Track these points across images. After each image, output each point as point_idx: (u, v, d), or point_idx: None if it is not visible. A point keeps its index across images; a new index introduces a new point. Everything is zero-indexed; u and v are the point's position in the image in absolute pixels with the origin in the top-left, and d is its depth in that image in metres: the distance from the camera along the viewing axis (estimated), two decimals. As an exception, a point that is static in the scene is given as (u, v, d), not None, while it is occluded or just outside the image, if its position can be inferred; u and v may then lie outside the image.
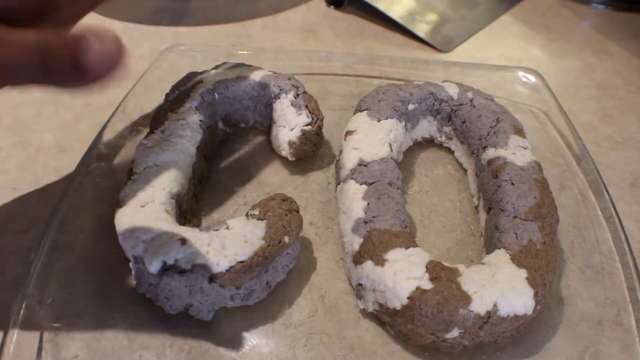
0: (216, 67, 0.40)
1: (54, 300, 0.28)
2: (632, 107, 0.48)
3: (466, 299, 0.25)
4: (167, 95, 0.38)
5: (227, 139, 0.40)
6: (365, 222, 0.28)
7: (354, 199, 0.30)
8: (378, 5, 0.58)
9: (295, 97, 0.37)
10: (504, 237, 0.29)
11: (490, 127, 0.35)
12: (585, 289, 0.30)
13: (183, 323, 0.28)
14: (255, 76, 0.38)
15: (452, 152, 0.39)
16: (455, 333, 0.25)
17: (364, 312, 0.29)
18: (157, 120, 0.35)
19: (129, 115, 0.40)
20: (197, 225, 0.33)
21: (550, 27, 0.61)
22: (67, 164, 0.38)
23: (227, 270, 0.25)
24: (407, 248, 0.27)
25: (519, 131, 0.35)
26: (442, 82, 0.40)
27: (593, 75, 0.52)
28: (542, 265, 0.27)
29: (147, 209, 0.28)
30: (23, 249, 0.32)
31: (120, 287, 0.29)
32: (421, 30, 0.56)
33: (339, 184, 0.33)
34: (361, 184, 0.31)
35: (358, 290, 0.28)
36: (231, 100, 0.39)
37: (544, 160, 0.37)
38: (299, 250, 0.30)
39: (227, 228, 0.27)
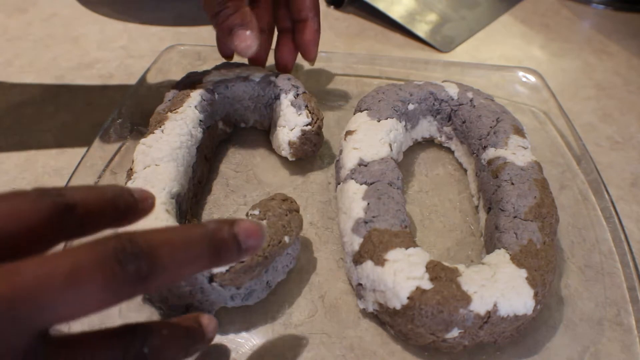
0: (216, 67, 0.40)
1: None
2: (632, 107, 0.48)
3: (466, 299, 0.25)
4: (167, 95, 0.38)
5: (227, 139, 0.40)
6: (365, 222, 0.28)
7: (354, 199, 0.30)
8: (378, 5, 0.58)
9: (295, 97, 0.37)
10: (504, 237, 0.29)
11: (490, 127, 0.35)
12: (585, 289, 0.30)
13: (183, 323, 0.28)
14: (255, 76, 0.38)
15: (452, 152, 0.39)
16: (455, 333, 0.25)
17: (364, 312, 0.29)
18: (157, 120, 0.35)
19: (129, 115, 0.40)
20: (197, 225, 0.33)
21: (550, 27, 0.61)
22: (67, 164, 0.38)
23: (227, 270, 0.25)
24: (407, 248, 0.27)
25: (519, 131, 0.35)
26: (442, 82, 0.40)
27: (593, 75, 0.52)
28: (542, 265, 0.27)
29: (147, 209, 0.28)
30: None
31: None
32: (421, 30, 0.56)
33: (339, 184, 0.33)
34: (361, 184, 0.31)
35: (358, 290, 0.28)
36: (231, 100, 0.38)
37: (544, 160, 0.37)
38: (299, 250, 0.30)
39: (227, 228, 0.27)
